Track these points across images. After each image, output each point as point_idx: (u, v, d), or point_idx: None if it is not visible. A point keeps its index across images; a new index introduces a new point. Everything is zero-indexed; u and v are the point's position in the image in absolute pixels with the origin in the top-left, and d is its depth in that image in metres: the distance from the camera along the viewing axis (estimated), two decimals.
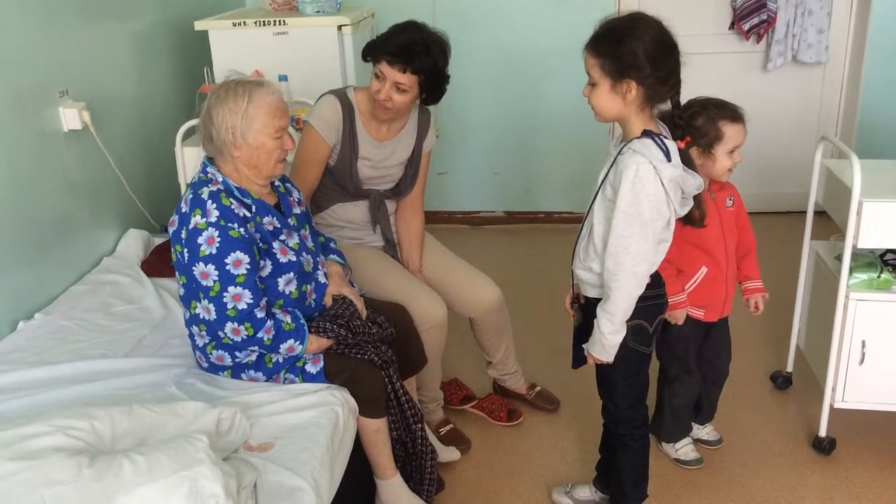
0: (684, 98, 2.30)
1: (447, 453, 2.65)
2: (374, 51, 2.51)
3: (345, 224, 2.74)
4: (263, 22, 3.44)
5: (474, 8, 4.34)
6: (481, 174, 4.66)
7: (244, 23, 3.44)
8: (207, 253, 1.99)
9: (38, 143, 2.58)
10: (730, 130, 2.25)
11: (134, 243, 2.98)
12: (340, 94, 2.62)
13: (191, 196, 2.05)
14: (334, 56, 3.46)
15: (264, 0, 3.83)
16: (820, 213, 2.75)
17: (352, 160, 2.64)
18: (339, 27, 3.44)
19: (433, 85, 2.55)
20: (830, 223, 2.61)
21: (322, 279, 2.28)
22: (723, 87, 4.32)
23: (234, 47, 3.47)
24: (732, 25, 4.30)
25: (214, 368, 2.20)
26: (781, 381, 3.03)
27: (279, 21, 3.45)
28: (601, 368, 2.15)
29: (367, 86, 2.60)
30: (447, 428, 2.77)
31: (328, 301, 2.29)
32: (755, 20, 4.20)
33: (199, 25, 3.46)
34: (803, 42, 4.23)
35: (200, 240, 2.00)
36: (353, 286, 2.39)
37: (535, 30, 4.29)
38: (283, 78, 3.31)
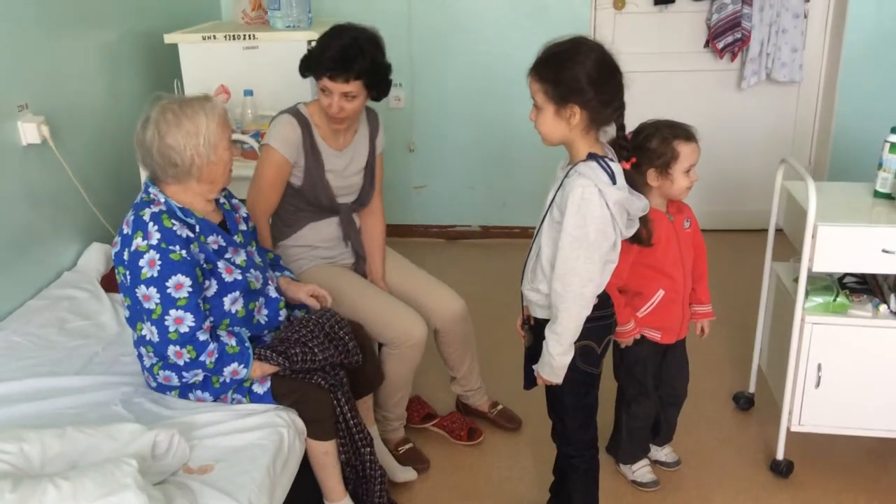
0: (657, 115, 2.33)
1: (403, 473, 2.64)
2: (312, 67, 2.52)
3: (318, 244, 2.73)
4: (233, 36, 3.44)
5: (450, 22, 4.34)
6: (457, 188, 4.66)
7: (214, 37, 3.44)
8: (149, 276, 1.98)
9: None
10: (685, 149, 2.26)
11: (95, 258, 2.96)
12: (294, 112, 2.63)
13: (132, 218, 2.04)
14: None
15: (237, 14, 3.83)
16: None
17: (320, 174, 2.64)
18: (310, 42, 3.42)
19: (378, 81, 2.56)
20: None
21: (273, 294, 2.27)
22: (697, 105, 4.39)
23: (203, 61, 3.46)
24: (707, 44, 4.31)
25: (162, 388, 2.19)
26: (744, 401, 3.02)
27: (249, 35, 3.44)
28: (551, 389, 2.14)
29: (316, 99, 2.61)
30: (406, 447, 2.75)
31: (305, 297, 2.36)
32: (729, 38, 4.21)
33: (168, 38, 3.45)
34: (777, 61, 4.24)
35: (142, 262, 1.98)
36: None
37: (511, 44, 4.30)
38: (249, 93, 3.32)
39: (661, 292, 2.38)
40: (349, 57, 2.43)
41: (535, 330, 2.12)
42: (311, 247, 2.73)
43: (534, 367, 2.10)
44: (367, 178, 2.78)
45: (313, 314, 2.30)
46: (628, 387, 2.55)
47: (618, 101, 1.90)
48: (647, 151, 2.24)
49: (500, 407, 2.98)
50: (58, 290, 2.76)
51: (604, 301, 2.07)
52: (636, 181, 2.02)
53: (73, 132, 2.96)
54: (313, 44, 3.37)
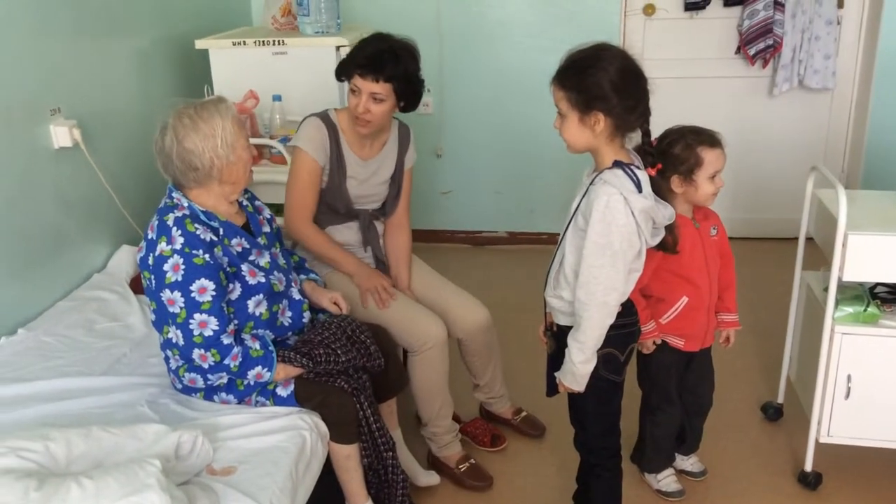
0: (688, 122, 2.31)
1: (426, 477, 2.64)
2: (346, 67, 2.55)
3: None
4: (263, 42, 3.47)
5: (479, 28, 4.35)
6: (484, 194, 4.66)
7: (244, 42, 3.47)
8: (173, 280, 2.00)
9: (28, 159, 2.61)
10: (709, 156, 2.24)
11: (126, 259, 3.00)
12: (323, 116, 2.65)
13: (156, 223, 2.07)
14: (332, 76, 3.46)
15: (267, 20, 3.86)
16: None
17: (341, 180, 2.65)
18: (338, 48, 3.45)
19: (408, 90, 2.57)
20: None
21: (297, 296, 2.29)
22: (728, 111, 4.36)
23: (233, 66, 3.50)
24: (738, 50, 4.27)
25: (188, 390, 2.21)
26: (772, 412, 2.98)
27: (279, 41, 3.47)
28: (573, 397, 2.13)
29: (346, 106, 2.63)
30: (466, 465, 2.70)
31: (328, 303, 2.38)
32: (761, 45, 4.17)
33: (199, 44, 3.49)
34: (810, 68, 4.19)
35: (166, 267, 2.01)
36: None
37: (540, 51, 4.29)
38: (277, 98, 3.34)
39: (684, 299, 2.36)
40: (383, 59, 2.47)
41: (558, 336, 2.11)
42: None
43: (556, 374, 2.09)
44: (393, 190, 2.79)
45: (335, 318, 2.31)
46: (652, 394, 2.54)
47: (642, 106, 1.89)
48: (670, 157, 2.22)
49: (523, 414, 2.97)
50: (87, 291, 2.79)
51: (627, 309, 2.05)
52: (661, 187, 2.00)
53: (104, 136, 3.00)
54: (342, 49, 3.44)
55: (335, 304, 2.39)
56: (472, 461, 2.72)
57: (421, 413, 2.68)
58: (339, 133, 2.63)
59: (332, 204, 2.69)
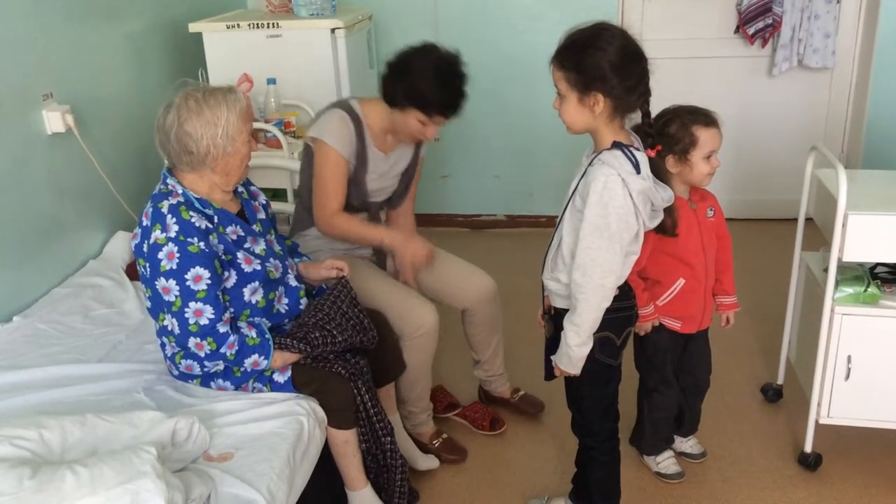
0: (685, 102, 2.29)
1: (425, 461, 2.63)
2: (424, 106, 2.49)
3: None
4: (257, 24, 3.44)
5: (476, 11, 4.31)
6: (483, 177, 4.64)
7: (238, 25, 3.44)
8: (168, 268, 1.98)
9: (20, 145, 2.59)
10: (704, 135, 2.21)
11: (121, 246, 2.98)
12: (347, 108, 2.60)
13: (151, 209, 2.04)
14: (327, 59, 3.45)
15: (261, 2, 3.83)
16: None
17: (362, 175, 2.63)
18: (333, 30, 3.42)
19: None
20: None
21: (293, 283, 2.27)
22: (727, 92, 4.33)
23: (227, 49, 3.47)
24: (737, 29, 4.24)
25: (184, 377, 2.20)
26: (772, 393, 2.97)
27: (273, 24, 3.44)
28: (570, 381, 2.12)
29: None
30: (440, 439, 2.73)
31: (327, 271, 2.37)
32: (760, 24, 4.13)
33: (193, 27, 3.47)
34: (809, 47, 4.15)
35: (161, 255, 1.98)
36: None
37: (538, 33, 4.26)
38: (272, 81, 3.31)
39: (681, 281, 2.34)
40: (462, 102, 2.55)
41: (556, 319, 2.10)
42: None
43: (552, 357, 2.08)
44: (403, 183, 2.79)
45: (328, 297, 2.28)
46: (649, 377, 2.52)
47: (642, 87, 1.86)
48: (666, 137, 2.19)
49: (521, 392, 2.96)
50: (83, 278, 2.78)
51: (625, 293, 2.04)
52: (660, 169, 1.98)
53: (98, 121, 2.97)
54: (337, 31, 3.40)
55: (335, 268, 2.36)
56: (445, 436, 2.74)
57: (402, 393, 2.66)
58: (363, 128, 2.60)
59: (347, 197, 2.65)
